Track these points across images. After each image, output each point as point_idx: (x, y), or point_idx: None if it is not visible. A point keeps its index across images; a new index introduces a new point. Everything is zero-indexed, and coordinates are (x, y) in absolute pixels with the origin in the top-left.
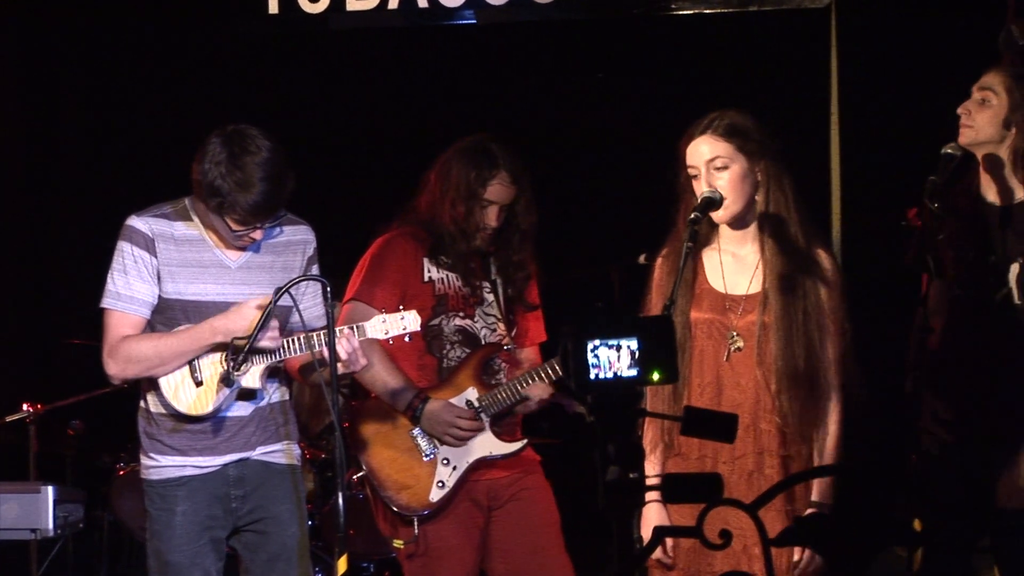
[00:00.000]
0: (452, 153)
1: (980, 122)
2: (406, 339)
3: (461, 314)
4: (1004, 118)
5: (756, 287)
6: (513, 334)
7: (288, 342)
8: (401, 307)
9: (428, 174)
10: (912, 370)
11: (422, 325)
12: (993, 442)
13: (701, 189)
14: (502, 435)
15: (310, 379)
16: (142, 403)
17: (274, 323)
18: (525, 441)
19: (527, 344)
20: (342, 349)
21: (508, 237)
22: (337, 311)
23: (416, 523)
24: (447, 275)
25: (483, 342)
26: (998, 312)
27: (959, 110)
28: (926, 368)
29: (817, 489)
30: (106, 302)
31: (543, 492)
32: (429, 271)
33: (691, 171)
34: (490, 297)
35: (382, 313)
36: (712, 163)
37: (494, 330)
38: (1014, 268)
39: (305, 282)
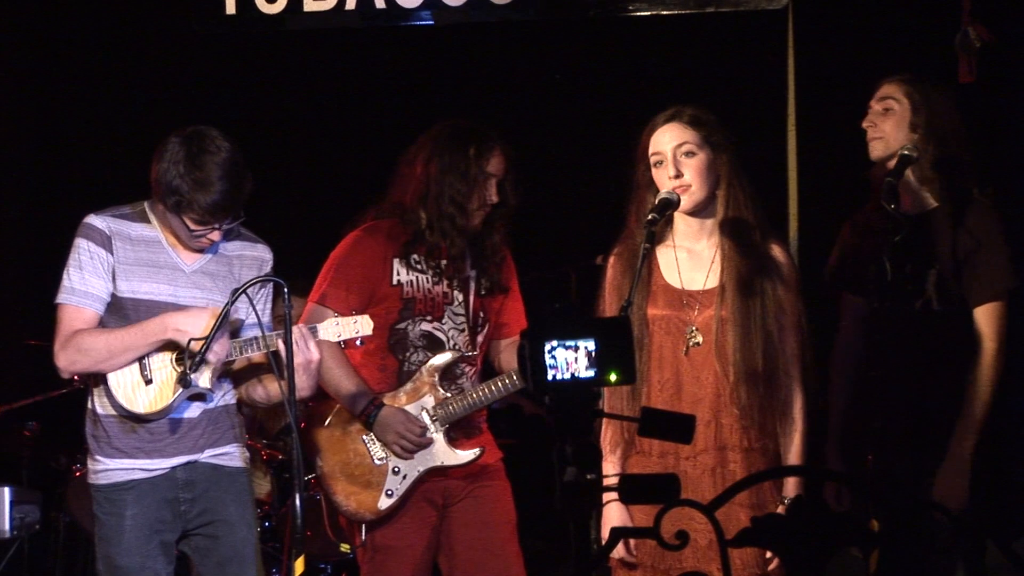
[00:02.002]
0: (436, 138)
1: (888, 130)
2: (357, 343)
3: (428, 317)
4: (909, 122)
5: (713, 282)
6: (481, 336)
7: (244, 343)
8: (353, 311)
9: (408, 166)
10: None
11: (388, 327)
12: (926, 448)
13: (666, 175)
14: (456, 442)
15: (255, 397)
16: (89, 405)
17: (225, 340)
18: (479, 450)
19: (505, 336)
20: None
21: (489, 217)
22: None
23: (364, 529)
24: (416, 277)
25: (448, 345)
26: (918, 321)
27: (864, 124)
28: (872, 380)
29: (790, 484)
30: (61, 297)
31: (499, 491)
32: (398, 273)
33: (655, 158)
34: (460, 296)
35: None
36: (680, 148)
37: (462, 331)
38: (932, 275)
39: (257, 292)
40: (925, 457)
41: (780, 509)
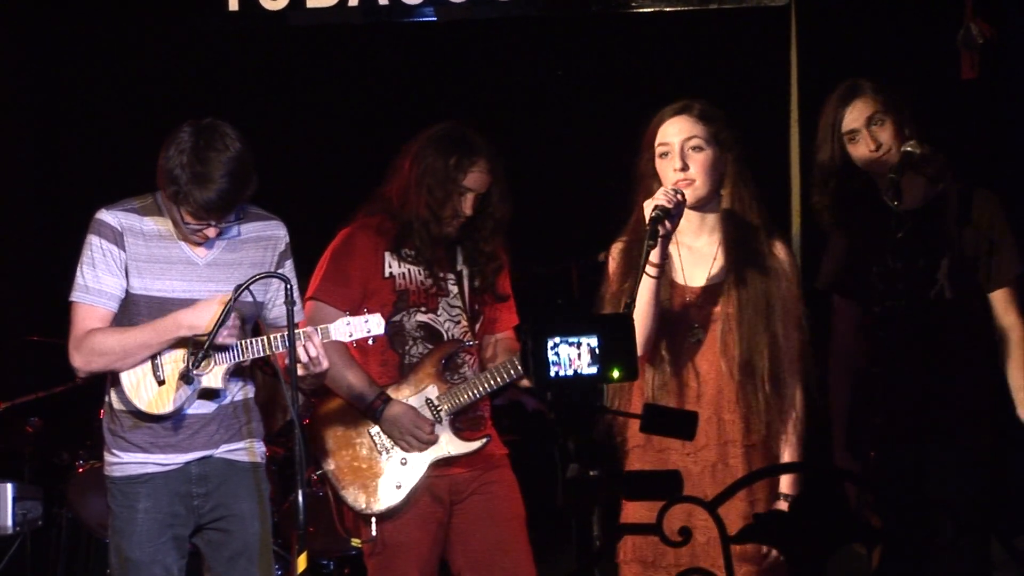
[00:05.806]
0: (427, 140)
1: (887, 140)
2: (370, 342)
3: (423, 308)
4: (901, 129)
5: (714, 278)
6: (478, 326)
7: (249, 343)
8: (365, 310)
9: (400, 161)
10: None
11: (385, 320)
12: (931, 442)
13: (671, 167)
14: (463, 432)
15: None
16: (106, 399)
17: (234, 319)
18: (486, 439)
19: (497, 331)
20: (302, 352)
21: (480, 226)
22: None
23: (374, 523)
24: (409, 269)
25: (446, 337)
26: (933, 311)
27: (872, 151)
28: (875, 377)
29: (786, 481)
30: (75, 295)
31: (507, 486)
32: (390, 266)
33: (661, 149)
34: (454, 289)
35: (344, 313)
36: (688, 142)
37: (458, 322)
38: (944, 264)
39: (275, 281)
40: (930, 452)
41: (783, 505)
